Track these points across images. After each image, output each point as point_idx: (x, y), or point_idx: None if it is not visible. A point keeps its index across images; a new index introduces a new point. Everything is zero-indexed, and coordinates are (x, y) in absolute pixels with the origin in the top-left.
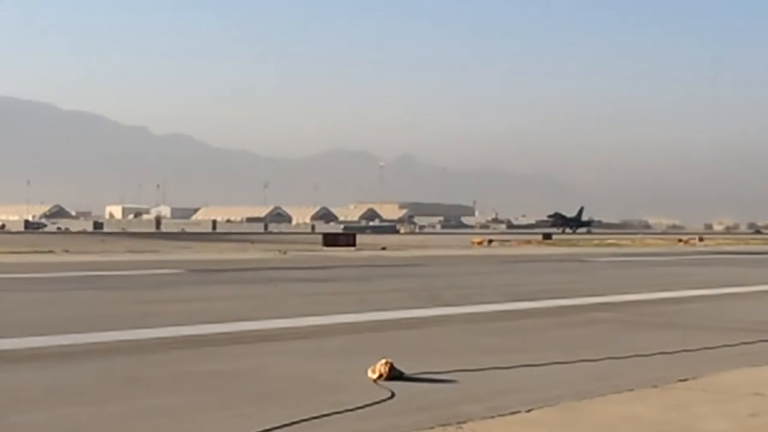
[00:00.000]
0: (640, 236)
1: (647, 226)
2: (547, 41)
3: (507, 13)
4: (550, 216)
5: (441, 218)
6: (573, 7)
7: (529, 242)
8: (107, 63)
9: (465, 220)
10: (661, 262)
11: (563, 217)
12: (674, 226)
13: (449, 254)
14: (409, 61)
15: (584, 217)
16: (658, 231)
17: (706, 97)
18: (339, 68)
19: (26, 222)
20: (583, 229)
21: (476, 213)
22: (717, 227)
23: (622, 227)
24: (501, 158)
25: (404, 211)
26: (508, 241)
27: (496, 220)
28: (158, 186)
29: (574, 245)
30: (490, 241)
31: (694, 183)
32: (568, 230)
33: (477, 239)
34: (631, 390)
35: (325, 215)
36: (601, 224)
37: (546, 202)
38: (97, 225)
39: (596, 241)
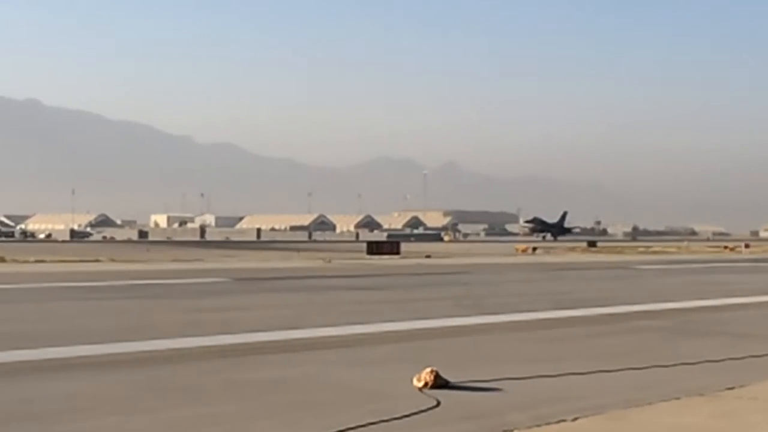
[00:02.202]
0: (685, 243)
1: (693, 233)
2: (592, 48)
3: (552, 20)
4: (528, 221)
5: (485, 226)
6: (618, 14)
7: (573, 249)
8: (153, 73)
9: (509, 227)
10: (706, 269)
11: (543, 223)
12: (720, 233)
13: (493, 262)
14: (454, 69)
15: (566, 224)
16: (704, 238)
17: (752, 102)
18: (383, 76)
19: (72, 231)
20: (565, 237)
21: (520, 220)
22: (763, 234)
23: (668, 234)
24: (545, 165)
25: (448, 218)
26: (552, 248)
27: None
28: (203, 195)
29: (619, 252)
30: (535, 249)
31: (740, 189)
32: (549, 237)
33: (521, 247)
34: (678, 398)
35: (369, 223)
36: (647, 232)
37: (590, 210)
38: (142, 234)
39: (641, 249)
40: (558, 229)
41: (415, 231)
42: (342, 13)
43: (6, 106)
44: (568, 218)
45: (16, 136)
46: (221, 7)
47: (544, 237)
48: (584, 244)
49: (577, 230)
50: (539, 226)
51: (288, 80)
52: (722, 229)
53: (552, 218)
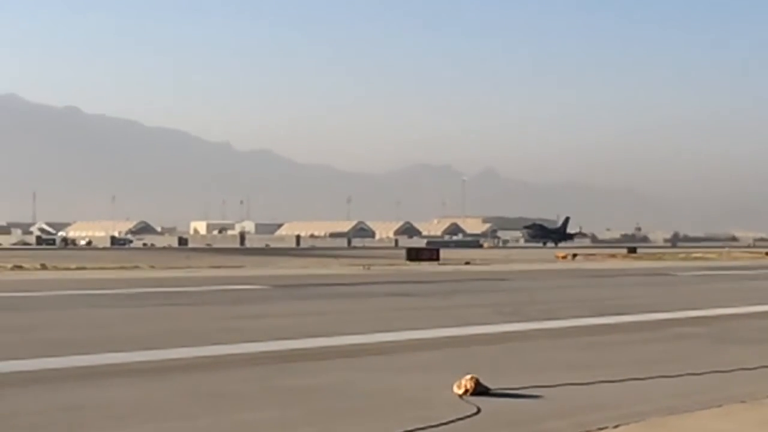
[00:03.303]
0: (726, 249)
1: (734, 238)
2: (631, 54)
3: (589, 26)
4: (527, 227)
5: (580, 233)
6: (656, 20)
7: (613, 256)
8: (192, 80)
9: None
10: (748, 275)
11: (543, 229)
12: (761, 239)
13: (533, 268)
14: (492, 75)
15: (570, 229)
16: (745, 244)
17: None
18: (421, 82)
19: (112, 238)
20: (566, 243)
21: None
22: None
23: (708, 240)
24: (584, 172)
25: (487, 225)
26: (592, 255)
27: (580, 234)
28: (242, 202)
29: (659, 259)
30: (575, 255)
31: None
32: (549, 243)
33: (561, 253)
34: (720, 406)
35: (409, 230)
36: (687, 238)
37: (630, 216)
38: (182, 241)
39: (682, 255)
40: (559, 236)
41: (454, 237)
42: (380, 17)
43: (46, 113)
44: (547, 221)
45: (56, 143)
46: (258, 13)
47: (544, 243)
48: (624, 251)
49: (585, 237)
50: (539, 232)
51: (326, 87)
52: (763, 235)
53: (595, 224)
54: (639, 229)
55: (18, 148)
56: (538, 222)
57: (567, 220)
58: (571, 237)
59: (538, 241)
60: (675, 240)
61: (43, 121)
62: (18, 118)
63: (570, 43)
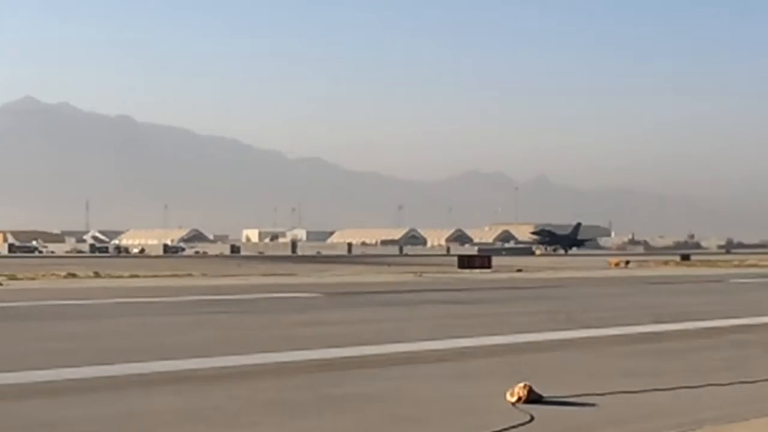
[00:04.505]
0: None
1: None
2: (682, 63)
3: (639, 35)
4: (534, 232)
5: (592, 239)
6: (711, 29)
7: (666, 263)
8: (242, 89)
9: (601, 241)
10: None
11: (552, 234)
12: None
13: (586, 276)
14: (543, 84)
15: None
16: None
17: None
18: (473, 89)
19: (165, 246)
20: (576, 249)
21: (612, 234)
22: None
23: (763, 247)
24: (636, 178)
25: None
26: (645, 262)
27: (632, 242)
28: (293, 209)
29: (712, 266)
30: (627, 262)
31: None
32: (559, 249)
33: (614, 260)
34: None
35: (460, 237)
36: (741, 245)
37: (683, 223)
38: (234, 249)
39: (736, 262)
40: (569, 241)
41: (506, 245)
42: (431, 27)
43: (99, 122)
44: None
45: (109, 152)
46: (309, 22)
47: (554, 249)
48: (677, 258)
49: (638, 244)
50: (547, 237)
51: (377, 95)
52: None
53: (648, 232)
54: (692, 236)
55: (71, 157)
56: (547, 227)
57: (578, 225)
58: (581, 243)
59: (547, 247)
60: (729, 247)
61: (96, 130)
62: (71, 127)
63: (622, 53)
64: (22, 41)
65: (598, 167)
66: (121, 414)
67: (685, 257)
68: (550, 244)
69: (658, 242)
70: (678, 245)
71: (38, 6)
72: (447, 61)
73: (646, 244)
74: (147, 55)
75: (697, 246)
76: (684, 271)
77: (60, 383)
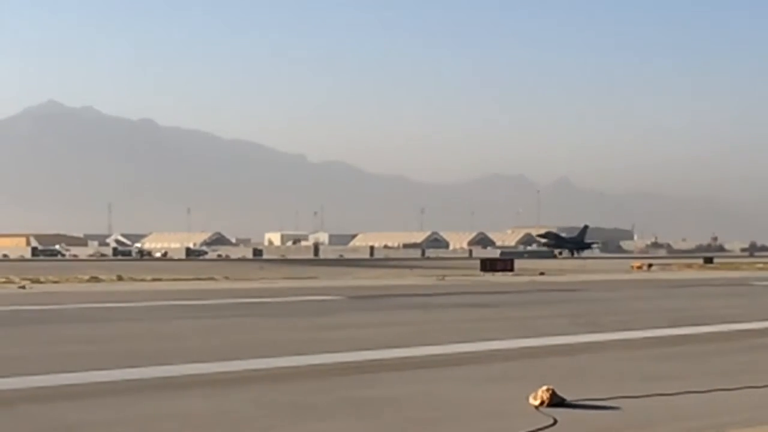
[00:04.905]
0: None
1: None
2: (702, 65)
3: (663, 38)
4: (540, 236)
5: (599, 243)
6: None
7: (689, 266)
8: (266, 93)
9: (623, 244)
10: None
11: (559, 238)
12: None
13: (608, 279)
14: (565, 86)
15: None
16: None
17: None
18: (494, 93)
19: (188, 249)
20: (584, 252)
21: (635, 237)
22: None
23: None
24: (659, 181)
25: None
26: (668, 265)
27: (655, 245)
28: (316, 213)
29: (736, 269)
30: (650, 266)
31: None
32: (565, 253)
33: (637, 263)
34: None
35: (482, 240)
36: (765, 247)
37: (706, 226)
38: (257, 252)
39: (760, 265)
40: (576, 245)
41: (529, 248)
42: (453, 30)
43: (122, 126)
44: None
45: (132, 156)
46: (335, 25)
47: (560, 253)
48: (700, 261)
49: (661, 247)
50: (553, 241)
51: (399, 98)
52: None
53: (670, 235)
54: (715, 238)
55: (94, 161)
56: (552, 231)
57: (585, 228)
58: (588, 246)
59: (553, 251)
60: (752, 249)
61: (119, 133)
62: (94, 130)
63: (647, 55)
64: (45, 45)
65: (620, 170)
66: (148, 417)
67: (708, 260)
68: (556, 247)
69: (680, 245)
70: (701, 248)
71: (61, 11)
72: (470, 64)
73: (668, 247)
74: (170, 58)
75: (721, 249)
76: (707, 274)
77: (85, 386)
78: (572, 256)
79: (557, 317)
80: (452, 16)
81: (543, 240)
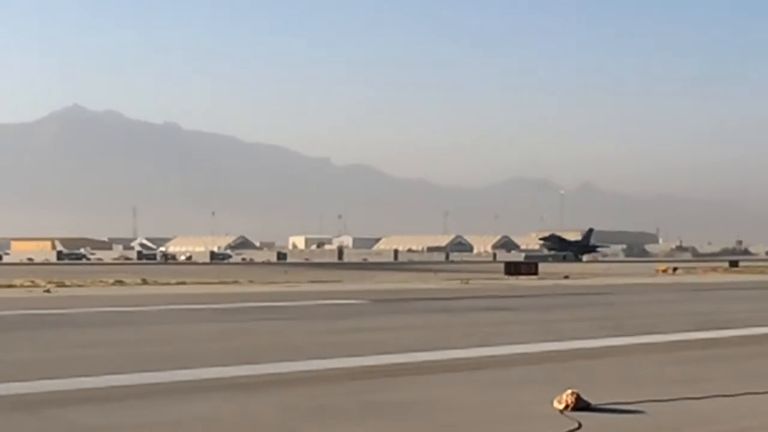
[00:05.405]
0: None
1: None
2: (729, 69)
3: (691, 40)
4: (543, 238)
5: (624, 246)
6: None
7: (714, 270)
8: (289, 96)
9: (648, 247)
10: None
11: (562, 241)
12: None
13: (633, 282)
14: (588, 89)
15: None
16: None
17: None
18: (517, 97)
19: (212, 253)
20: (589, 255)
21: (660, 240)
22: None
23: None
24: (683, 184)
25: None
26: (693, 268)
27: (680, 248)
28: (340, 216)
29: (761, 272)
30: (675, 269)
31: None
32: (569, 256)
33: (662, 267)
34: None
35: (507, 244)
36: None
37: (731, 229)
38: (281, 255)
39: None
40: (580, 248)
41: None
42: (476, 33)
43: (146, 130)
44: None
45: (156, 160)
46: (357, 28)
47: (564, 257)
48: (726, 264)
49: (685, 251)
50: (556, 244)
51: (423, 102)
52: None
53: (695, 238)
54: (740, 242)
55: (118, 165)
56: (555, 234)
57: (590, 231)
58: (593, 249)
59: (555, 254)
60: None
61: (143, 137)
62: (118, 134)
63: (675, 58)
64: (69, 49)
65: (645, 173)
66: (166, 421)
67: (734, 263)
68: (559, 250)
69: (705, 248)
70: (726, 251)
71: (87, 14)
72: (495, 67)
73: (693, 250)
74: (193, 62)
75: (746, 252)
76: (732, 277)
77: (109, 390)
78: (576, 259)
79: (582, 320)
80: (476, 18)
81: (546, 243)
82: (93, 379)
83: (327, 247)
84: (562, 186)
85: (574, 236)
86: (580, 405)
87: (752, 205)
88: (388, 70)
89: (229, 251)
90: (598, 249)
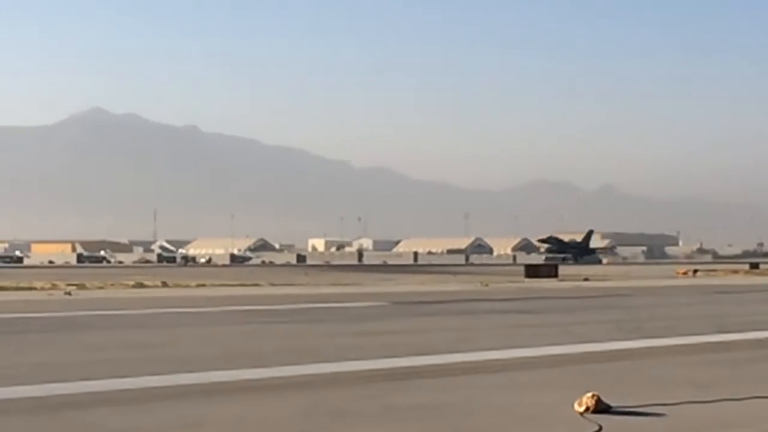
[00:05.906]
0: None
1: None
2: (751, 69)
3: (710, 41)
4: (542, 240)
5: (644, 248)
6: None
7: (735, 272)
8: (309, 98)
9: (668, 250)
10: None
11: (561, 243)
12: None
13: (653, 285)
14: (608, 93)
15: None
16: None
17: None
18: (539, 99)
19: (232, 255)
20: (589, 258)
21: (680, 243)
22: None
23: None
24: (704, 186)
25: (606, 241)
26: (713, 270)
27: (701, 250)
28: (360, 219)
29: None
30: (695, 271)
31: None
32: (568, 259)
33: (682, 269)
34: None
35: (527, 246)
36: None
37: (752, 231)
38: (301, 258)
39: None
40: (579, 250)
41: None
42: (496, 37)
43: (166, 132)
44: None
45: (177, 162)
46: (376, 35)
47: (564, 259)
48: (746, 267)
49: (706, 253)
50: (555, 246)
51: (443, 104)
52: None
53: (716, 240)
54: (761, 244)
55: (139, 167)
56: (554, 236)
57: (590, 233)
58: (593, 252)
59: (554, 256)
60: None
61: (164, 140)
62: (139, 137)
63: (694, 59)
64: (90, 52)
65: (665, 176)
66: (185, 424)
67: (755, 266)
68: (558, 252)
69: (726, 251)
70: (747, 254)
71: (107, 18)
72: (514, 71)
73: (714, 252)
74: (213, 65)
75: (767, 254)
76: (753, 279)
77: (129, 392)
78: (575, 262)
79: (602, 323)
80: (496, 21)
81: (545, 245)
82: (113, 381)
83: (347, 249)
84: (583, 188)
85: (594, 239)
86: (601, 408)
87: None
88: (409, 73)
89: (249, 253)
90: (597, 252)
